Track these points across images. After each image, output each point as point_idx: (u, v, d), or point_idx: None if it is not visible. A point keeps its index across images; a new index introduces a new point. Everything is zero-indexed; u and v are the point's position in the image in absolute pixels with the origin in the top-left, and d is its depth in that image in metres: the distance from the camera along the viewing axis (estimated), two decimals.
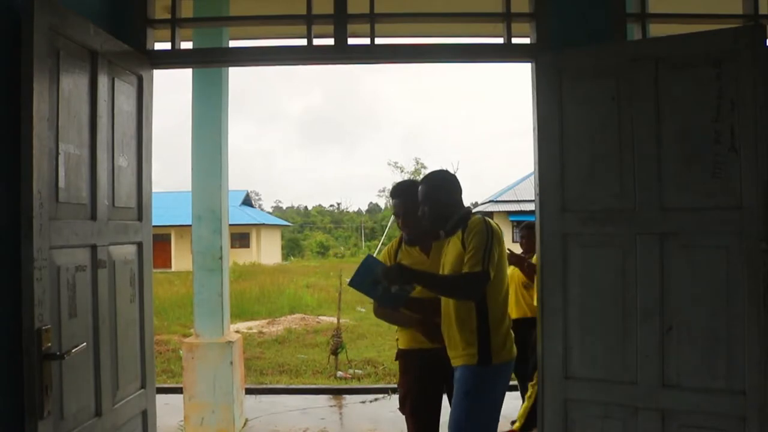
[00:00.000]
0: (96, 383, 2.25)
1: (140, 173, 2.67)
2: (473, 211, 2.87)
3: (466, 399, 2.49)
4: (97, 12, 2.54)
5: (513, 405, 4.32)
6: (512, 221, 30.83)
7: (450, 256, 2.60)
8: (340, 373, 7.21)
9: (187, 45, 3.17)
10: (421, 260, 2.86)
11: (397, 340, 3.00)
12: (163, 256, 26.92)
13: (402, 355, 2.94)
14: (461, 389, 2.52)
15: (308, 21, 2.80)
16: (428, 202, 2.66)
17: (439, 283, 2.58)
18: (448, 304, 2.60)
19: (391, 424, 4.81)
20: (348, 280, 2.76)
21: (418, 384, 2.83)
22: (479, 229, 2.49)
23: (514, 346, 2.65)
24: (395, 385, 5.98)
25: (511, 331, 2.65)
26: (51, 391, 1.92)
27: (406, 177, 34.27)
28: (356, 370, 7.41)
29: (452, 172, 2.95)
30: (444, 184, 2.70)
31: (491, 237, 2.48)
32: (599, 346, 2.49)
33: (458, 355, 2.56)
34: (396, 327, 3.04)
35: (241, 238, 31.82)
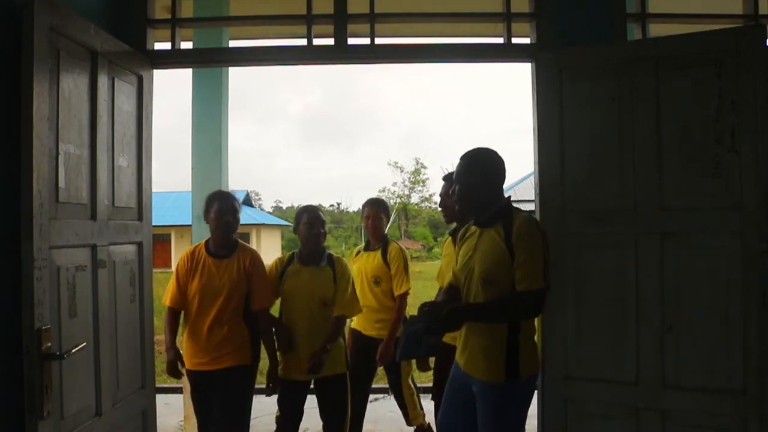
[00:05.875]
0: (96, 383, 2.25)
1: (140, 173, 2.68)
2: None
3: (492, 417, 2.23)
4: (97, 12, 2.54)
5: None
6: None
7: (484, 250, 2.25)
8: None
9: (187, 45, 3.17)
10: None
11: None
12: (163, 256, 26.87)
13: None
14: (485, 406, 2.25)
15: (308, 21, 2.81)
16: (467, 183, 2.27)
17: (500, 312, 2.21)
18: None
19: (391, 423, 4.80)
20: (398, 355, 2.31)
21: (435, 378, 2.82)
22: (532, 233, 2.17)
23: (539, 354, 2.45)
24: None
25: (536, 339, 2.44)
26: (51, 391, 1.92)
27: (406, 177, 34.10)
28: None
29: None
30: (492, 167, 2.29)
31: (544, 242, 2.20)
32: (599, 346, 2.49)
33: (479, 368, 2.26)
34: None
35: (241, 237, 31.66)
